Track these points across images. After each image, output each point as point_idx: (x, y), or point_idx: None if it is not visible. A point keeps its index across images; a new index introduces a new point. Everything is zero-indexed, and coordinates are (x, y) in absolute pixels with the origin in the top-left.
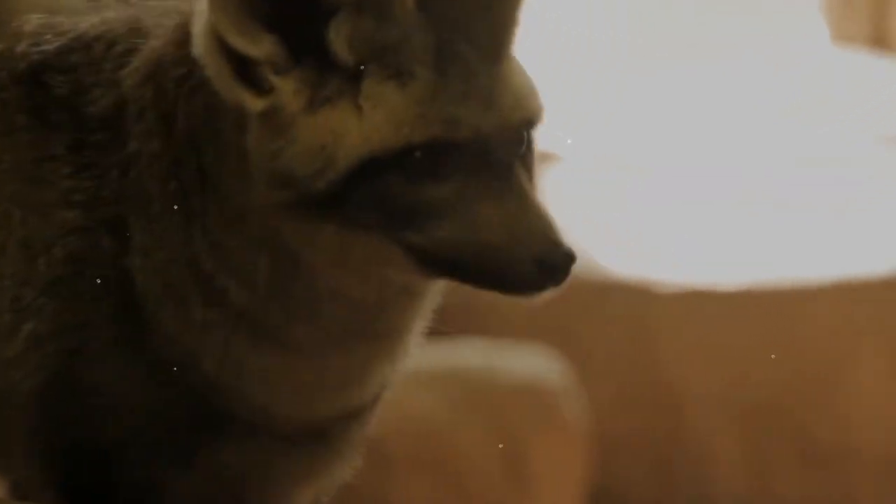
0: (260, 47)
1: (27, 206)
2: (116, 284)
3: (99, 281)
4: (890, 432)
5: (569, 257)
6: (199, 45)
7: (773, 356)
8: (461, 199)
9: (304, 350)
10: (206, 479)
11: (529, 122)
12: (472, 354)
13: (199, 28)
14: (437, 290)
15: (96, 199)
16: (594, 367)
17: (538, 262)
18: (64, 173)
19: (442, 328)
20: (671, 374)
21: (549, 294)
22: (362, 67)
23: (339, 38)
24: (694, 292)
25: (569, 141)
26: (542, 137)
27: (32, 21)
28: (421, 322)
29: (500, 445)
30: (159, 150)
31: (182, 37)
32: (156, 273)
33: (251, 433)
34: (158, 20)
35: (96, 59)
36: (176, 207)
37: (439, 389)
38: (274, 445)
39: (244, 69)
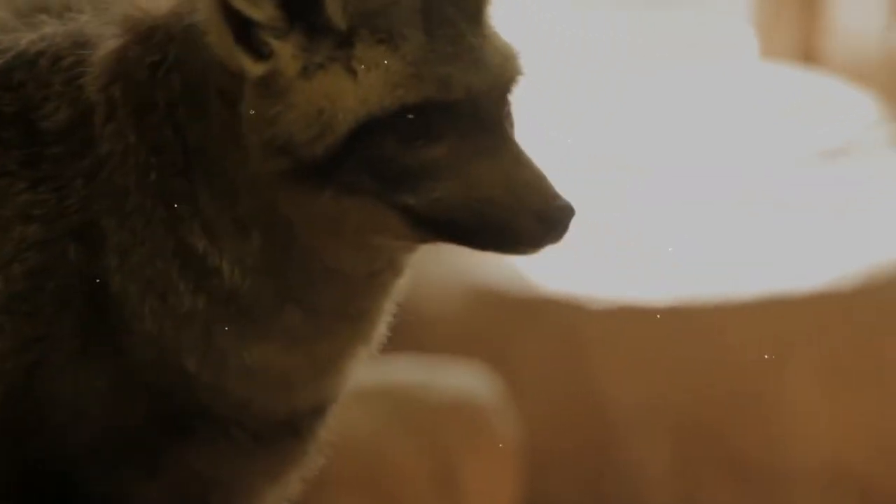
0: (263, 10)
1: None
2: (83, 294)
3: (63, 292)
4: (818, 447)
5: (568, 210)
6: (204, 11)
7: (706, 373)
8: (455, 158)
9: (294, 335)
10: (172, 484)
11: (514, 82)
12: (403, 371)
13: None
14: (409, 272)
15: (59, 211)
16: (526, 384)
17: (538, 216)
18: (19, 188)
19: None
20: (602, 391)
21: (548, 245)
22: (353, 31)
23: (335, 2)
24: (624, 308)
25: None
26: None
27: None
28: (390, 304)
29: (433, 461)
30: (135, 143)
31: (147, 32)
32: (136, 270)
33: (223, 433)
34: (99, 30)
35: (43, 74)
36: (158, 195)
37: (371, 406)
38: (244, 445)
39: (245, 34)
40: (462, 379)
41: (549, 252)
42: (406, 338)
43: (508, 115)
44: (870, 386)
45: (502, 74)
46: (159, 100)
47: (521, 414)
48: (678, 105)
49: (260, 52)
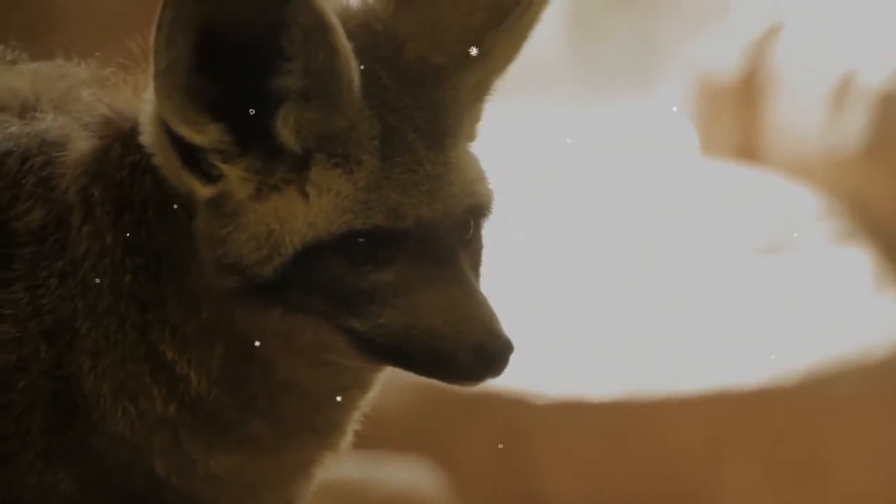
0: (206, 136)
1: None
2: (52, 394)
3: (32, 391)
4: None
5: (506, 347)
6: (147, 134)
7: (649, 467)
8: (402, 285)
9: (260, 446)
10: None
11: (476, 209)
12: (347, 465)
13: (145, 117)
14: (381, 383)
15: (32, 310)
16: (469, 478)
17: (476, 351)
18: None
19: None
20: (546, 485)
21: (485, 381)
22: (310, 154)
23: (287, 128)
24: (569, 403)
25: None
26: None
27: None
28: (358, 413)
29: None
30: (111, 243)
31: (129, 131)
32: (108, 371)
33: None
34: (66, 131)
35: (11, 175)
36: (131, 298)
37: (315, 501)
38: None
39: (193, 156)
40: (406, 474)
41: None
42: None
43: (472, 241)
44: (810, 481)
45: (458, 204)
46: (136, 200)
47: None
48: (619, 200)
49: (209, 175)
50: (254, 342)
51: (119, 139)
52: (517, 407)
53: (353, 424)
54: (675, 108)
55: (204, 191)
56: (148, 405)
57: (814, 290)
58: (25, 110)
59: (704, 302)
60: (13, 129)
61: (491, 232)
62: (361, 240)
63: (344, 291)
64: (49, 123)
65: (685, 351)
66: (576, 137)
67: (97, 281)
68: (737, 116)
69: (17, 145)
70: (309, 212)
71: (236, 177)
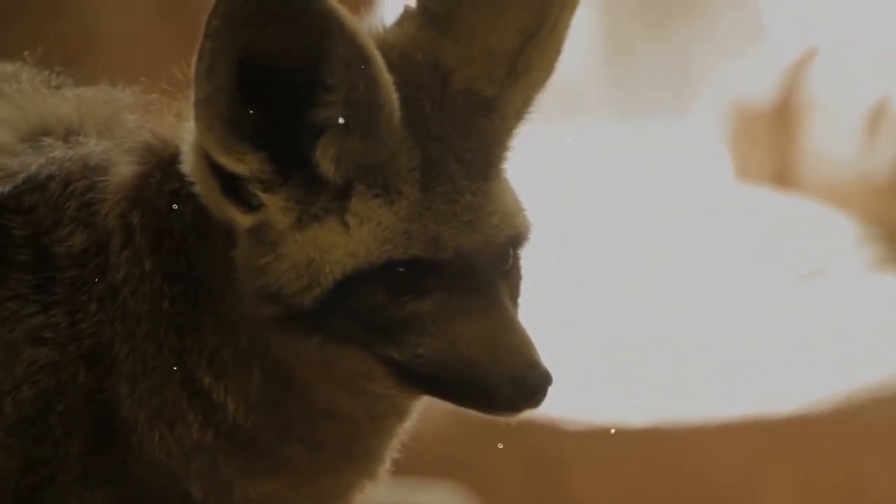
0: (247, 165)
1: None
2: (91, 418)
3: (71, 415)
4: None
5: (545, 379)
6: (188, 162)
7: (682, 494)
8: (441, 315)
9: (297, 471)
10: None
11: (514, 239)
12: (381, 491)
13: (186, 145)
14: (418, 411)
15: (71, 334)
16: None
17: (515, 382)
18: (30, 311)
19: None
20: None
21: (524, 412)
22: (350, 184)
23: (326, 159)
24: (601, 429)
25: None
26: None
27: None
28: (396, 440)
29: None
30: (150, 270)
31: (170, 159)
32: (145, 397)
33: None
34: (108, 155)
35: (54, 199)
36: (169, 324)
37: None
38: None
39: (233, 185)
40: (439, 499)
41: None
42: None
43: (510, 272)
44: None
45: (497, 235)
46: (175, 227)
47: None
48: (654, 225)
49: (249, 204)
50: (291, 369)
51: (159, 166)
52: (549, 433)
53: (391, 452)
54: (669, 121)
55: (244, 220)
56: (184, 431)
57: (849, 316)
58: (69, 134)
59: (737, 328)
60: (56, 153)
61: (523, 254)
62: (401, 270)
63: (383, 321)
64: (92, 148)
65: (719, 377)
66: (610, 162)
67: (136, 307)
68: (771, 142)
69: (61, 169)
70: (349, 242)
71: (277, 206)
